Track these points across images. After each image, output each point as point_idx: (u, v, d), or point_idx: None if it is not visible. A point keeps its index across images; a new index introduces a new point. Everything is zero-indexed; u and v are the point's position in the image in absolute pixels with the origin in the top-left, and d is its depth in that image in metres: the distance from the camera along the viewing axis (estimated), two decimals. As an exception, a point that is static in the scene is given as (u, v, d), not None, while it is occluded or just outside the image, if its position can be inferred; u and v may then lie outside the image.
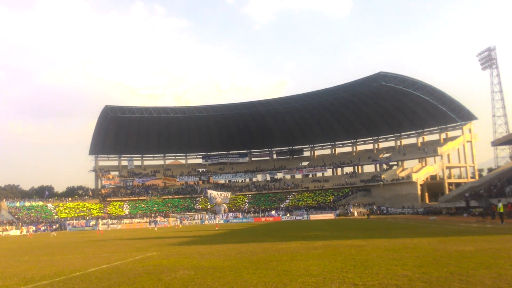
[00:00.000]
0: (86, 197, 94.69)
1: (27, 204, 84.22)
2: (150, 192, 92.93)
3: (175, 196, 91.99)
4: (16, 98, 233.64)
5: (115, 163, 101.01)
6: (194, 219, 74.74)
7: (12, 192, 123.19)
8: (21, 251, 24.91)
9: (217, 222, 57.46)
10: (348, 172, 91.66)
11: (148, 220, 74.66)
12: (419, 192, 72.50)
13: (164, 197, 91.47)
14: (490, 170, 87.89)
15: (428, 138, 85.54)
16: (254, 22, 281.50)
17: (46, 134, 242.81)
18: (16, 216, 76.39)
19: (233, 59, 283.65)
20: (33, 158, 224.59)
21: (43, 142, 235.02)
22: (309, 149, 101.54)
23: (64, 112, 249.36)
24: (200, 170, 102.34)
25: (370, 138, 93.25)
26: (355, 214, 69.84)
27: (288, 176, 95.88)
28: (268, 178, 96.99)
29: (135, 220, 75.71)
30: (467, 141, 76.86)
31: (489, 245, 15.43)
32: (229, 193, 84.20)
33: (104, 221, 69.96)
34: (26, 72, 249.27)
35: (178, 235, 35.52)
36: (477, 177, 76.33)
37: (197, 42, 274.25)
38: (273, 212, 75.57)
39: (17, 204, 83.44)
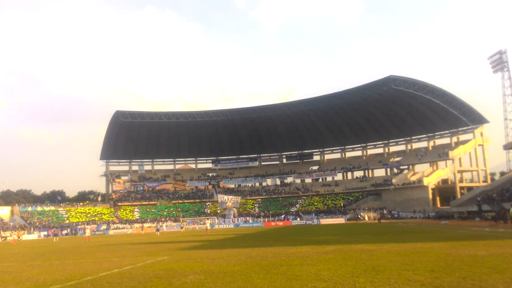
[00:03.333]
0: (98, 203, 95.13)
1: (39, 209, 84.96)
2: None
3: (185, 201, 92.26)
4: (28, 103, 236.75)
5: (126, 168, 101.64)
6: (204, 223, 74.72)
7: (24, 197, 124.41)
8: (33, 255, 25.10)
9: (207, 227, 57.15)
10: (359, 176, 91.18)
11: (141, 225, 75.11)
12: (430, 196, 71.92)
13: (174, 201, 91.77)
14: (502, 173, 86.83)
15: (439, 142, 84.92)
16: (264, 27, 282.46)
17: (58, 140, 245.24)
18: (28, 221, 77.06)
19: (243, 64, 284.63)
20: (45, 163, 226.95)
21: (54, 148, 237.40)
22: (319, 153, 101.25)
23: (76, 118, 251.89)
24: (210, 174, 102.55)
25: (381, 142, 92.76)
26: (366, 218, 69.45)
27: (298, 181, 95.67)
28: (278, 182, 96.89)
29: (146, 225, 75.96)
30: (479, 145, 76.10)
31: (502, 249, 15.26)
32: (239, 197, 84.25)
33: (90, 226, 69.31)
34: (38, 78, 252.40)
35: (183, 240, 35.56)
36: (489, 181, 75.50)
37: (206, 47, 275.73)
38: (283, 217, 75.42)
39: (29, 209, 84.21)
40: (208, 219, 73.24)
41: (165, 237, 44.80)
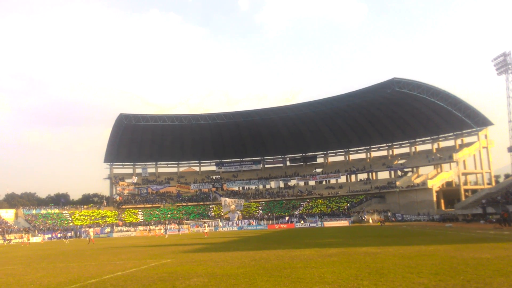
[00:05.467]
0: (102, 205, 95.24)
1: (43, 211, 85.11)
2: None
3: (189, 203, 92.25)
4: (32, 107, 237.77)
5: (130, 170, 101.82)
6: (208, 226, 74.88)
7: (28, 200, 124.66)
8: (38, 258, 25.17)
9: (206, 230, 57.39)
10: (362, 179, 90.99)
11: (148, 228, 75.70)
12: (434, 198, 71.65)
13: (178, 204, 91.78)
14: (507, 176, 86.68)
15: (443, 144, 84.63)
16: (268, 30, 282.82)
17: (62, 142, 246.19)
18: (32, 224, 77.28)
19: (247, 67, 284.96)
20: (50, 166, 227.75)
21: (59, 150, 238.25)
22: (323, 155, 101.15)
23: (80, 121, 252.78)
24: (214, 177, 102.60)
25: (384, 145, 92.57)
26: (370, 221, 69.26)
27: (301, 183, 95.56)
28: (282, 185, 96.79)
29: (151, 227, 76.00)
30: (483, 147, 75.79)
31: (506, 252, 15.19)
32: (243, 200, 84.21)
33: (93, 229, 69.31)
34: (42, 81, 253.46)
35: (186, 242, 35.56)
36: (493, 183, 75.19)
37: (210, 50, 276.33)
38: (286, 219, 75.32)
39: (34, 211, 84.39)
40: (205, 222, 73.45)
41: (169, 239, 44.83)
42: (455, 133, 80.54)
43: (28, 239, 60.22)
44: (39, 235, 69.90)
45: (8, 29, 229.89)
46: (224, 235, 50.49)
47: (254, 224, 75.09)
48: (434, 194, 71.81)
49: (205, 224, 66.38)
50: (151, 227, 75.33)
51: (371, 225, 63.70)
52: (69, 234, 68.70)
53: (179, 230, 72.51)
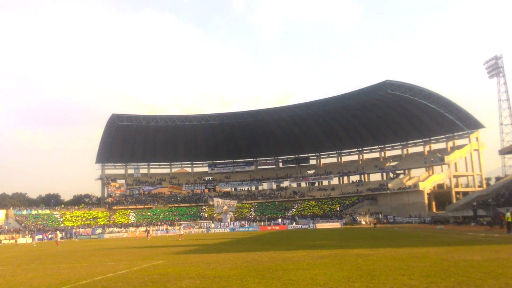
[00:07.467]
0: (93, 206, 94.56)
1: (33, 212, 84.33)
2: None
3: (181, 205, 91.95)
4: (24, 106, 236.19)
5: (122, 171, 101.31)
6: (200, 227, 74.82)
7: (19, 200, 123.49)
8: (28, 259, 24.96)
9: (181, 233, 56.40)
10: (355, 181, 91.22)
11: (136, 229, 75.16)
12: (426, 201, 72.04)
13: (170, 205, 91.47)
14: (498, 179, 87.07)
15: (435, 146, 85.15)
16: (263, 31, 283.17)
17: (54, 143, 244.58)
18: (22, 224, 76.61)
19: (241, 68, 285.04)
20: (41, 166, 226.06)
21: (50, 151, 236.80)
22: (315, 157, 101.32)
23: (72, 121, 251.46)
24: (206, 178, 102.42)
25: (377, 147, 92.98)
26: (363, 222, 69.44)
27: (294, 185, 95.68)
28: (274, 186, 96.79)
29: (141, 229, 75.63)
30: (475, 150, 76.33)
31: (497, 254, 15.27)
32: (235, 201, 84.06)
33: (59, 231, 68.08)
34: (35, 81, 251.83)
35: (176, 244, 35.45)
36: (484, 186, 75.73)
37: (205, 51, 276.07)
38: (279, 221, 75.32)
39: (24, 212, 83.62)
40: (181, 224, 73.16)
41: (157, 241, 44.63)
42: (446, 135, 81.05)
43: (16, 240, 59.80)
44: (29, 235, 69.20)
45: (0, 28, 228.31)
46: (216, 237, 50.38)
47: (246, 225, 74.98)
48: (426, 196, 72.21)
49: (181, 226, 66.05)
50: (141, 229, 74.94)
51: (364, 226, 63.86)
52: (37, 237, 68.00)
53: (167, 231, 72.35)
